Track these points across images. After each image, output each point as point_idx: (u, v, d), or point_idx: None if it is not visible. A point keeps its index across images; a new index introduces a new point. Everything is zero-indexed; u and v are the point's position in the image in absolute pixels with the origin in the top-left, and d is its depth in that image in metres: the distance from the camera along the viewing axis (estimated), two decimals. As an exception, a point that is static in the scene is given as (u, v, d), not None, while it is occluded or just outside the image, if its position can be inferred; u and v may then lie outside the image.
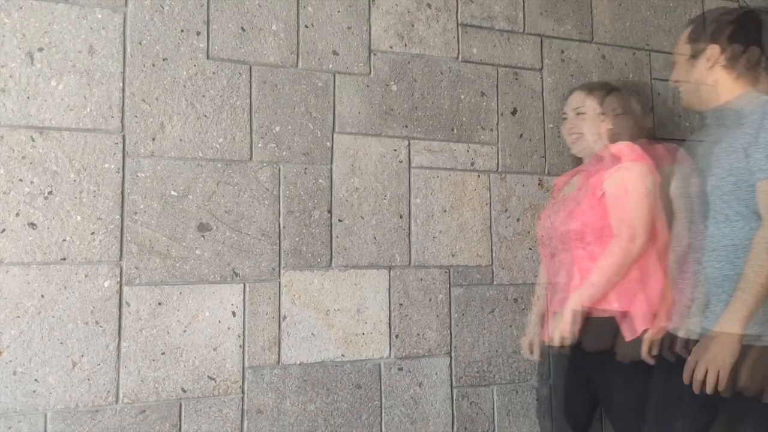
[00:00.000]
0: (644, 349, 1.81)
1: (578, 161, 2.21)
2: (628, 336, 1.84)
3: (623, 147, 2.00)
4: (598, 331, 1.88)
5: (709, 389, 1.42)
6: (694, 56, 1.65)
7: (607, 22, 2.57)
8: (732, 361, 1.40)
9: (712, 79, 1.64)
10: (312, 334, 2.01)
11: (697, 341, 1.52)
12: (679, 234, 1.68)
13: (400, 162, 2.16)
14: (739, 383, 1.42)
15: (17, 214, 1.73)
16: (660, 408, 1.66)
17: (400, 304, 2.12)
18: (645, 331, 1.83)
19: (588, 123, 2.10)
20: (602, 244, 1.91)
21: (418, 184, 2.17)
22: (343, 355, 2.02)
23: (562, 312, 1.91)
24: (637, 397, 1.83)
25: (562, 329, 1.87)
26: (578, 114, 2.13)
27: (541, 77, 2.42)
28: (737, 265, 1.48)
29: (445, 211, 2.22)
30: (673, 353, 1.63)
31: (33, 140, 1.76)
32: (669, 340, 1.69)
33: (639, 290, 1.88)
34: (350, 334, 2.05)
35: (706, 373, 1.43)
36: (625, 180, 1.92)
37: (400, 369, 2.11)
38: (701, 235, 1.55)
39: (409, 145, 2.18)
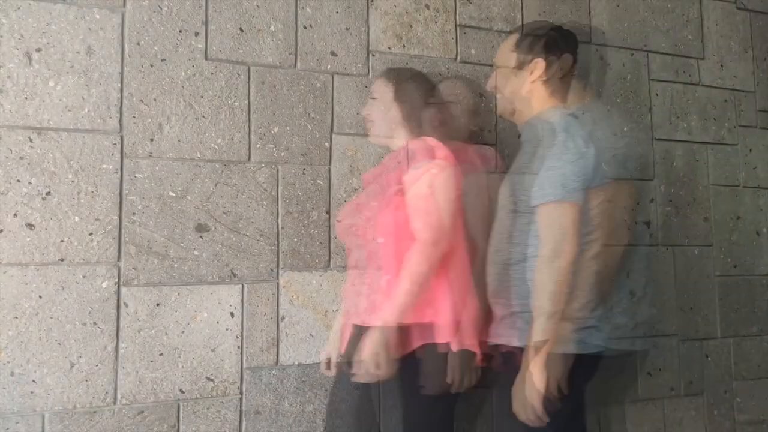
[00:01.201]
0: (455, 377, 1.62)
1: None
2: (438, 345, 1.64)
3: (422, 143, 1.82)
4: (410, 365, 1.66)
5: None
6: (519, 67, 1.63)
7: (605, 23, 2.57)
8: (543, 383, 1.44)
9: (528, 91, 1.65)
10: (310, 335, 2.01)
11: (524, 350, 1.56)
12: (498, 245, 1.64)
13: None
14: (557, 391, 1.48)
15: (15, 215, 1.73)
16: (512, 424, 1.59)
17: (399, 305, 2.12)
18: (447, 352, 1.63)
19: (377, 109, 1.96)
20: (397, 247, 1.70)
21: (416, 184, 2.17)
22: (341, 356, 2.01)
23: (367, 331, 1.68)
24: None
25: (368, 355, 1.62)
26: (371, 98, 2.00)
27: (540, 78, 2.42)
28: (516, 279, 1.55)
29: (443, 212, 2.21)
30: (503, 366, 1.61)
31: (31, 141, 1.76)
32: (497, 352, 1.67)
33: (444, 299, 1.68)
34: (348, 335, 2.04)
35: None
36: (433, 182, 1.73)
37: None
38: (521, 248, 1.56)
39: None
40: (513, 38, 1.71)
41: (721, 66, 2.79)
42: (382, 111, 1.94)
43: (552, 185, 1.48)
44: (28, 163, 1.75)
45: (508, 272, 1.57)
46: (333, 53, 2.11)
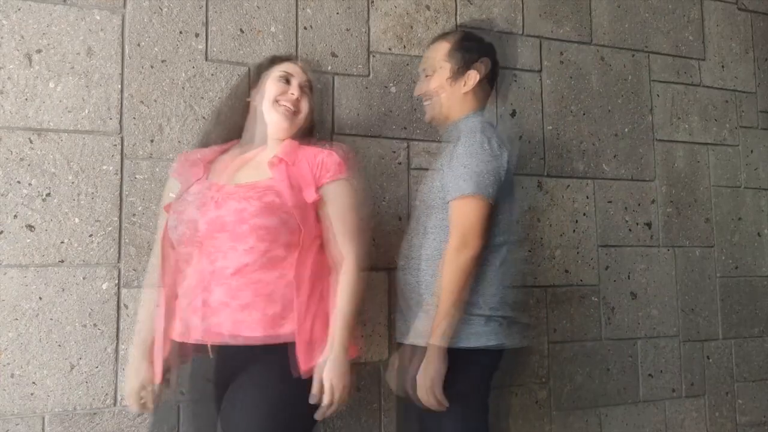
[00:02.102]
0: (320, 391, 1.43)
1: (222, 139, 1.71)
2: (303, 365, 1.42)
3: (289, 144, 1.62)
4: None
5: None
6: (453, 77, 1.71)
7: (606, 23, 2.57)
8: (442, 373, 1.51)
9: (456, 98, 1.73)
10: (311, 336, 2.00)
11: (418, 347, 1.61)
12: (414, 241, 1.71)
13: (399, 164, 2.16)
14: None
15: (15, 216, 1.73)
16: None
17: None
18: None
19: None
20: (271, 257, 1.46)
21: (417, 185, 2.16)
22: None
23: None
24: None
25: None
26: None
27: (540, 79, 2.42)
28: (428, 274, 1.61)
29: (444, 213, 2.21)
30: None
31: (31, 142, 1.76)
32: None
33: (319, 311, 1.51)
34: (349, 337, 2.04)
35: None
36: (349, 192, 1.59)
37: (399, 371, 2.10)
38: (436, 243, 1.63)
39: (408, 146, 2.17)
40: (444, 46, 1.76)
41: (722, 67, 2.78)
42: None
43: (466, 180, 1.56)
44: (29, 165, 1.75)
45: (424, 266, 1.63)
46: (333, 54, 2.11)
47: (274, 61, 1.72)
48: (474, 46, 1.76)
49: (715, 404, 2.61)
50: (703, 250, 2.65)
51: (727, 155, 2.75)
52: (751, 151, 2.81)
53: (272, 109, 1.63)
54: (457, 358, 1.54)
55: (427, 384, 1.52)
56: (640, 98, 2.60)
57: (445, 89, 1.73)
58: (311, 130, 1.73)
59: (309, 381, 1.43)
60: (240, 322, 1.44)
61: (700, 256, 2.65)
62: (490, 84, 1.80)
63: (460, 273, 1.52)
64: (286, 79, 1.65)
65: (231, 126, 1.70)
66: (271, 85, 1.65)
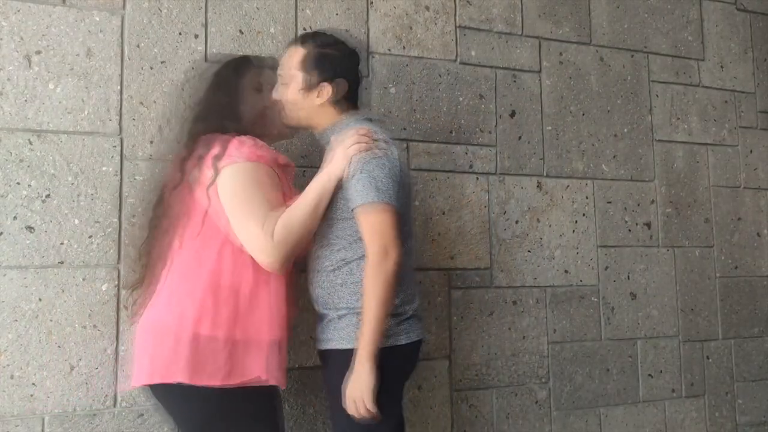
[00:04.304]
0: None
1: None
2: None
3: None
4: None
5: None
6: (306, 89, 1.66)
7: (605, 24, 2.57)
8: (374, 384, 1.50)
9: (316, 109, 1.68)
10: (311, 337, 2.00)
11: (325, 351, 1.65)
12: (319, 252, 1.68)
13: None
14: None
15: (15, 218, 1.72)
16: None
17: (399, 307, 2.11)
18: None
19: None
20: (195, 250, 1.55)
21: (416, 186, 2.16)
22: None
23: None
24: None
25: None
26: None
27: (540, 79, 2.42)
28: (329, 287, 1.62)
29: (443, 214, 2.21)
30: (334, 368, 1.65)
31: (31, 143, 1.75)
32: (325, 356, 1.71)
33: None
34: (349, 337, 2.04)
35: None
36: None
37: (399, 372, 2.10)
38: (342, 253, 1.63)
39: (407, 147, 2.17)
40: (298, 55, 1.68)
41: (722, 67, 2.79)
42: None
43: (365, 188, 1.55)
44: (28, 166, 1.75)
45: (331, 278, 1.63)
46: (333, 55, 2.11)
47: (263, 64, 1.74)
48: (327, 59, 1.67)
49: (715, 404, 2.61)
50: (703, 250, 2.66)
51: (726, 155, 2.75)
52: (751, 152, 2.81)
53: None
54: (382, 358, 1.54)
55: (356, 395, 1.50)
56: (640, 98, 2.60)
57: (298, 98, 1.67)
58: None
59: None
60: None
61: (700, 256, 2.65)
62: (356, 91, 1.75)
63: (388, 281, 1.52)
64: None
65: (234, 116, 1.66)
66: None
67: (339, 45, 1.71)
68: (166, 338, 1.48)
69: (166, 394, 1.52)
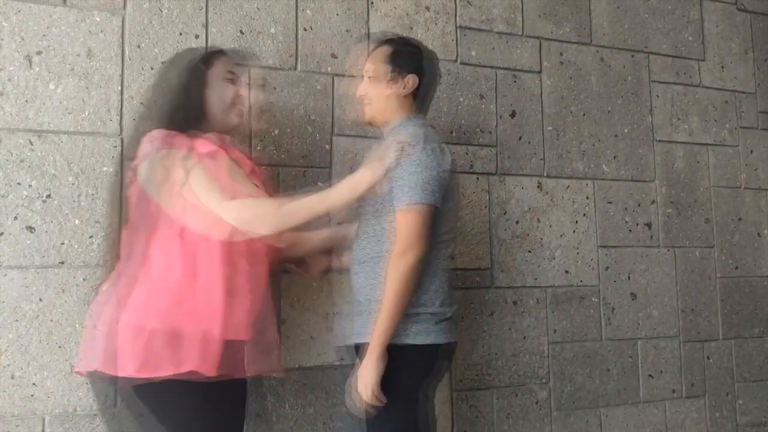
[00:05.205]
0: None
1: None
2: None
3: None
4: None
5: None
6: (393, 80, 1.74)
7: (606, 24, 2.57)
8: (380, 372, 1.56)
9: (395, 102, 1.75)
10: (311, 337, 2.00)
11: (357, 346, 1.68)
12: (364, 244, 1.74)
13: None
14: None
15: (15, 218, 1.73)
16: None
17: (400, 307, 2.11)
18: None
19: None
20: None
21: (417, 186, 2.16)
22: (342, 359, 2.01)
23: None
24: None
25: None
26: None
27: (540, 80, 2.42)
28: (372, 277, 1.66)
29: (444, 214, 2.21)
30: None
31: (31, 143, 1.76)
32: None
33: None
34: (349, 338, 2.04)
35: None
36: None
37: (400, 372, 2.10)
38: (384, 245, 1.66)
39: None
40: (384, 50, 1.79)
41: (722, 67, 2.79)
42: None
43: (412, 188, 1.61)
44: (29, 166, 1.75)
45: (375, 268, 1.67)
46: (333, 55, 2.11)
47: (214, 57, 1.68)
48: (414, 53, 1.79)
49: (715, 404, 2.61)
50: (703, 251, 2.66)
51: (727, 156, 2.75)
52: (751, 152, 2.81)
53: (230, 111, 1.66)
54: (400, 356, 1.59)
55: (365, 381, 1.56)
56: (640, 99, 2.60)
57: (382, 92, 1.75)
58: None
59: None
60: None
61: (700, 257, 2.65)
62: (426, 91, 1.82)
63: (403, 277, 1.58)
64: (233, 81, 1.67)
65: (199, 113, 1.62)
66: (223, 86, 1.64)
67: (420, 45, 1.85)
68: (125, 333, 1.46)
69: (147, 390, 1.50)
